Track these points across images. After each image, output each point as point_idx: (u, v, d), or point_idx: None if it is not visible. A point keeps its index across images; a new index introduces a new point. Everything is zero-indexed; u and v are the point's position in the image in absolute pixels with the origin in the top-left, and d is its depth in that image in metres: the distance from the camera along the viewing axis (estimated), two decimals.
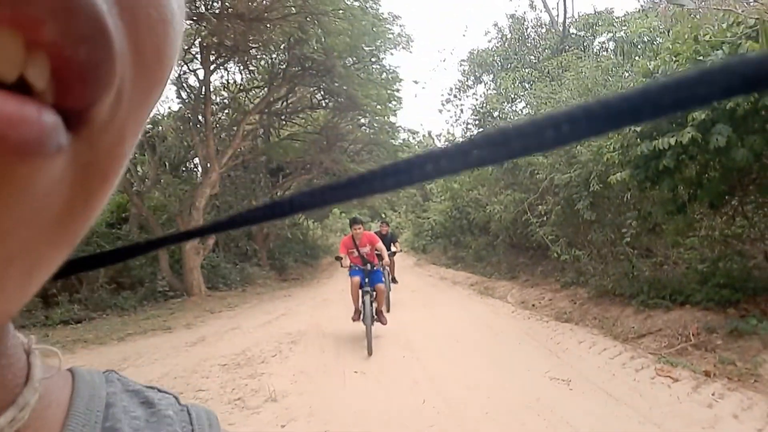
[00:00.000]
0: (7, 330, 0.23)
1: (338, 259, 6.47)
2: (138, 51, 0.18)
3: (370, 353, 5.50)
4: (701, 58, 5.10)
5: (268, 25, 10.59)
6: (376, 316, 6.14)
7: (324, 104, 15.65)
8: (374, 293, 6.11)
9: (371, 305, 5.92)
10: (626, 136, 5.89)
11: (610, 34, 14.08)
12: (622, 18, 14.97)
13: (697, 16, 5.87)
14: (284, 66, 13.33)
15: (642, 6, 15.50)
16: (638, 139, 5.62)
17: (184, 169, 15.30)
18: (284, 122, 16.73)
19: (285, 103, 15.38)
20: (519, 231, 11.69)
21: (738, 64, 0.12)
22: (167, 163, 13.85)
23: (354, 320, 6.36)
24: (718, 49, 4.95)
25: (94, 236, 10.93)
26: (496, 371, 4.78)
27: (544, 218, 9.64)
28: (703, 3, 6.40)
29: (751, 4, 5.35)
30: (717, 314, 5.12)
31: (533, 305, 8.21)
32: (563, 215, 8.76)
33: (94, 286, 9.78)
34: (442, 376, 4.72)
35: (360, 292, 6.17)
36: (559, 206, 8.79)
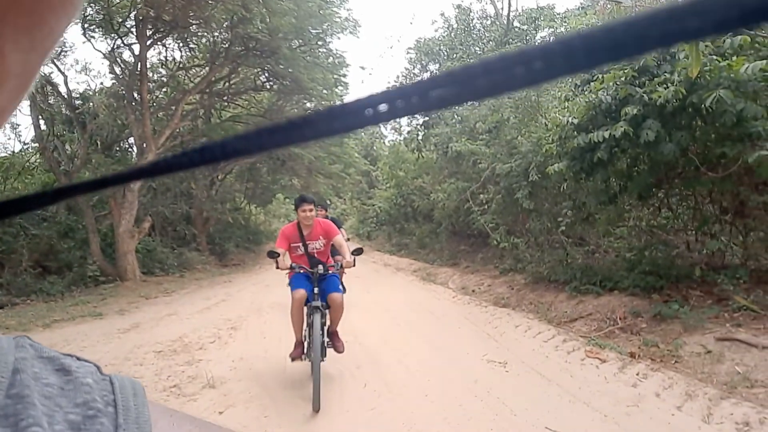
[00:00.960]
0: None
1: (273, 255, 4.00)
2: None
3: (316, 409, 3.51)
4: None
5: (210, 1, 10.18)
6: (329, 341, 4.21)
7: (268, 86, 15.30)
8: (326, 310, 4.12)
9: (322, 330, 3.91)
10: (564, 128, 6.10)
11: (552, 29, 14.51)
12: (563, 14, 15.45)
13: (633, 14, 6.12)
14: (227, 45, 12.88)
15: (581, 3, 16.05)
16: (575, 132, 5.84)
17: (117, 148, 14.53)
18: (226, 103, 16.23)
19: (227, 84, 14.91)
20: (461, 219, 11.94)
21: None
22: (99, 142, 13.11)
23: (293, 358, 4.17)
24: None
25: (18, 216, 10.25)
26: (437, 355, 4.87)
27: (485, 207, 9.88)
28: (638, 1, 6.69)
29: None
30: (642, 299, 5.44)
31: (473, 291, 8.42)
32: (503, 204, 9.01)
33: (17, 270, 9.19)
34: (384, 360, 4.77)
35: (305, 310, 4.10)
36: (500, 195, 9.03)
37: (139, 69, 11.63)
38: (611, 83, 5.44)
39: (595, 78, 5.87)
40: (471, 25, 18.85)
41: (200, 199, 15.63)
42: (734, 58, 4.51)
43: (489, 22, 18.53)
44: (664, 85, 4.82)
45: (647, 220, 6.85)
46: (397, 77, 22.15)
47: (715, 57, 4.60)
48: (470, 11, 19.07)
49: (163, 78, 14.58)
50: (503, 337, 5.52)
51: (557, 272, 7.06)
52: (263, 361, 4.85)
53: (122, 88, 12.03)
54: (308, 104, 16.25)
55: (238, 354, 5.13)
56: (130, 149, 14.94)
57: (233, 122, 16.14)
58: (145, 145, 11.55)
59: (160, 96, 14.37)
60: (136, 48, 11.77)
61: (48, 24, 0.17)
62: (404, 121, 21.72)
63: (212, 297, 9.02)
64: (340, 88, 15.62)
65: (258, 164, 17.93)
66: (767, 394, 3.36)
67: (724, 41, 4.56)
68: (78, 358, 0.32)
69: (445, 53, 18.86)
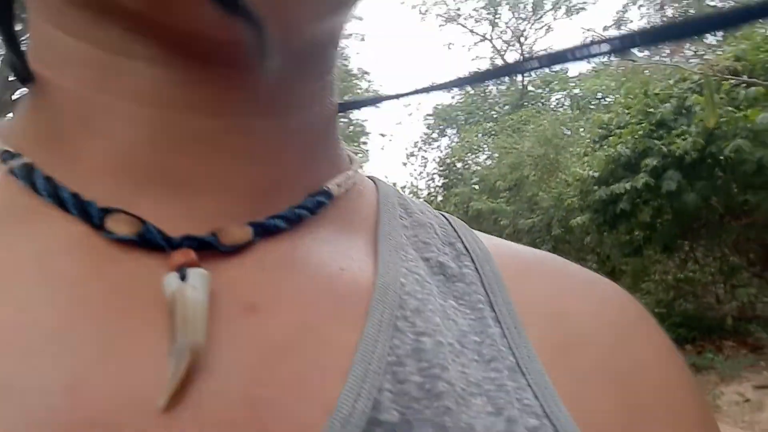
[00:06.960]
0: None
1: None
2: None
3: None
4: (651, 110, 5.53)
5: None
6: None
7: None
8: None
9: None
10: (585, 182, 6.22)
11: (565, 92, 15.00)
12: (576, 77, 15.96)
13: (646, 72, 6.38)
14: None
15: (594, 67, 16.58)
16: (596, 185, 5.94)
17: None
18: None
19: None
20: None
21: None
22: None
23: None
24: (666, 102, 5.39)
25: None
26: None
27: None
28: (651, 59, 6.97)
29: (692, 61, 5.86)
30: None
31: None
32: None
33: None
34: None
35: None
36: None
37: None
38: (629, 137, 5.59)
39: (612, 134, 6.03)
40: (487, 91, 19.53)
41: None
42: (749, 109, 4.65)
43: (504, 87, 19.19)
44: (683, 137, 4.95)
45: (673, 273, 6.77)
46: (416, 143, 22.73)
47: (730, 108, 4.75)
48: None
49: None
50: None
51: None
52: None
53: None
54: None
55: None
56: None
57: None
58: None
59: None
60: None
61: None
62: (422, 184, 22.15)
63: None
64: (360, 155, 16.05)
65: None
66: None
67: (739, 93, 4.72)
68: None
69: (463, 118, 19.45)
